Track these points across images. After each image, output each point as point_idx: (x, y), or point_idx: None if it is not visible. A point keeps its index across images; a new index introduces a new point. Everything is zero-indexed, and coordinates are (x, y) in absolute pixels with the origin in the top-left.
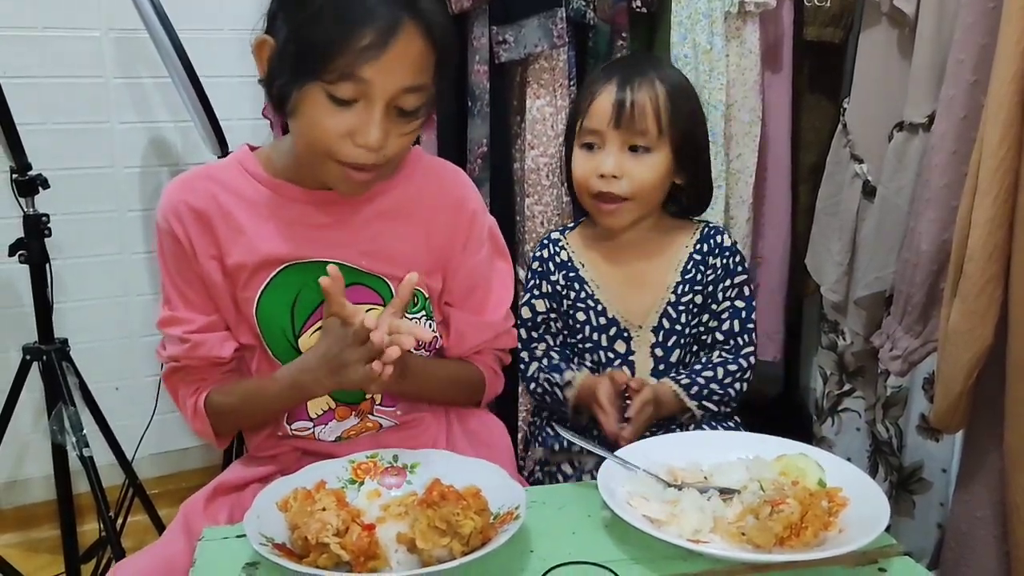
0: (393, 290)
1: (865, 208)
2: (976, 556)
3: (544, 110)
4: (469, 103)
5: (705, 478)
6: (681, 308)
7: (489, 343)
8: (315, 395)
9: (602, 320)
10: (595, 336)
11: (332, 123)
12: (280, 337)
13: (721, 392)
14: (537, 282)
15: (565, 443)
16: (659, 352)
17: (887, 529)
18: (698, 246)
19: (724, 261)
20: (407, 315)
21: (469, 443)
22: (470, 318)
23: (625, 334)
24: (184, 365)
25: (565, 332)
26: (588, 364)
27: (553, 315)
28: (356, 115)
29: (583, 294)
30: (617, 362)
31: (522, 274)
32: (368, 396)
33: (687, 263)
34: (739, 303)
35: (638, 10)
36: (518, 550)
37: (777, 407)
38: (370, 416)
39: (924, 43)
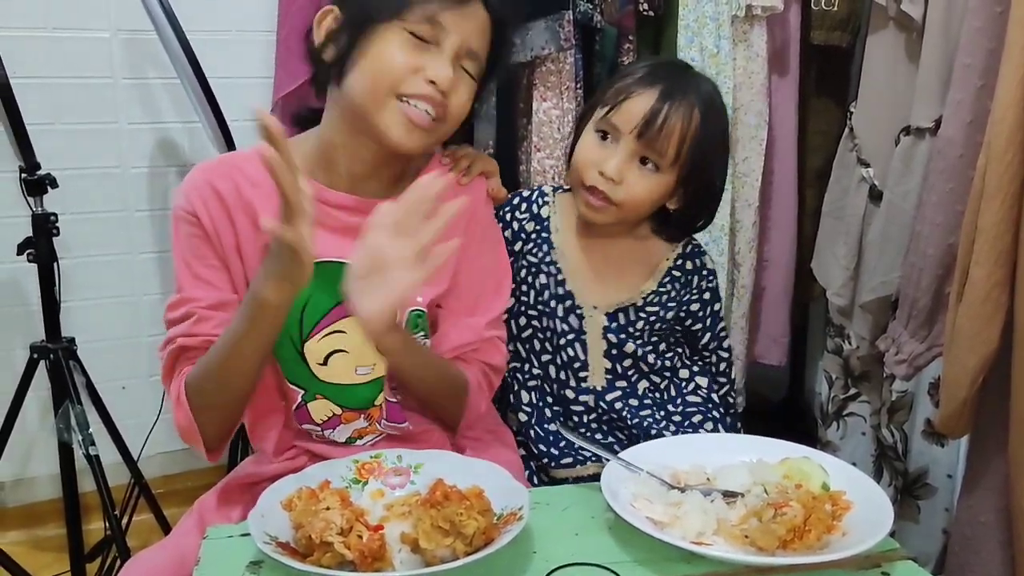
0: None
1: (871, 212)
2: (981, 561)
3: (551, 112)
4: (475, 105)
5: (708, 479)
6: (644, 315)
7: (473, 349)
8: (267, 298)
9: (560, 290)
10: (552, 304)
11: (405, 58)
12: (285, 341)
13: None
14: (508, 220)
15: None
16: (612, 338)
17: (892, 534)
18: (679, 261)
19: (708, 284)
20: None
21: (475, 450)
22: (455, 319)
23: (578, 311)
24: (182, 346)
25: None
26: (543, 327)
27: None
28: (426, 56)
29: (548, 258)
30: (570, 335)
31: None
32: (376, 403)
33: (664, 276)
34: (721, 323)
35: (645, 13)
36: (521, 551)
37: (782, 411)
38: (377, 424)
39: (931, 47)
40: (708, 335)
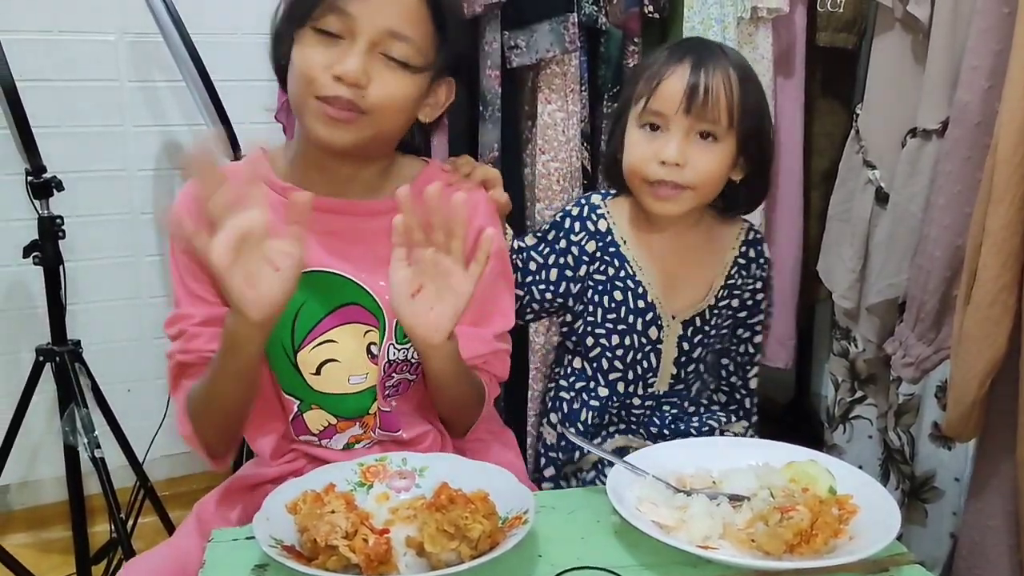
0: (386, 312)
1: (878, 215)
2: (989, 566)
3: (556, 115)
4: (480, 108)
5: (714, 483)
6: (716, 312)
7: (483, 361)
8: (227, 325)
9: (640, 304)
10: (630, 319)
11: (316, 57)
12: (279, 351)
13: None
14: (564, 246)
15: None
16: (685, 345)
17: (899, 538)
18: (743, 249)
19: (763, 274)
20: (396, 346)
21: (475, 452)
22: (467, 329)
23: (659, 321)
24: (180, 362)
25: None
26: (617, 344)
27: (560, 299)
28: (336, 51)
29: (623, 272)
30: (647, 348)
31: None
32: (370, 412)
33: (732, 267)
34: (760, 316)
35: (650, 15)
36: (527, 555)
37: (788, 414)
38: (372, 432)
39: (938, 49)
40: (740, 326)
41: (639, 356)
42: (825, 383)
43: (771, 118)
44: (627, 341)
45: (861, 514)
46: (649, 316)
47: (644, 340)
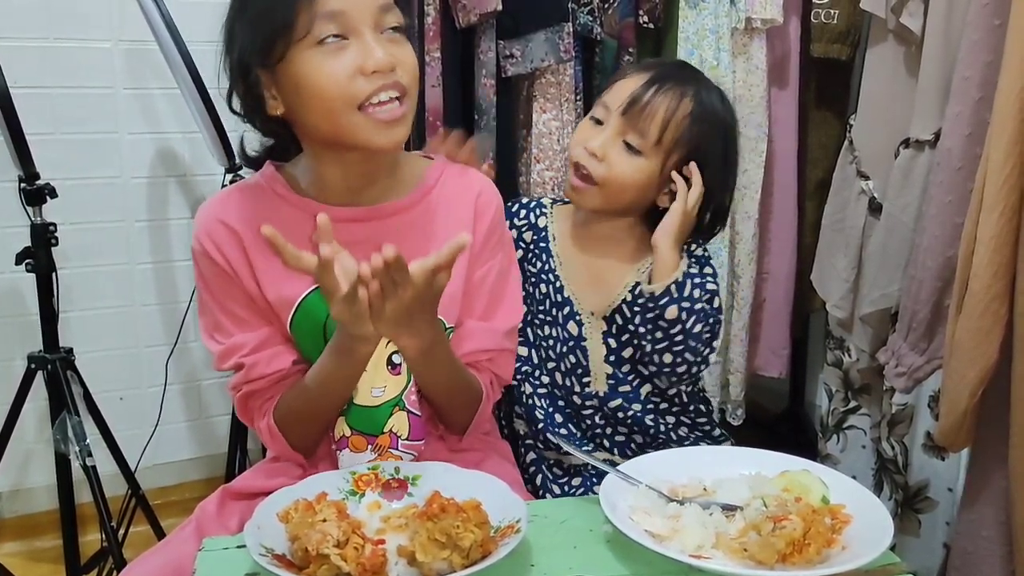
0: None
1: (871, 225)
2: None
3: (550, 124)
4: (476, 116)
5: (706, 492)
6: (637, 309)
7: (488, 359)
8: (348, 350)
9: (559, 298)
10: (553, 311)
11: (336, 67)
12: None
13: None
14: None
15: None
16: (612, 343)
17: (892, 548)
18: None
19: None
20: None
21: (471, 463)
22: (476, 323)
23: (577, 317)
24: (248, 391)
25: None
26: (547, 335)
27: None
28: (353, 51)
29: (547, 267)
30: (571, 343)
31: None
32: (385, 431)
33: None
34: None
35: (645, 26)
36: (519, 564)
37: (782, 423)
38: (391, 451)
39: (930, 60)
40: None
41: (565, 349)
42: (819, 393)
43: (727, 167)
44: (553, 333)
45: (854, 524)
46: (567, 310)
47: (567, 334)
